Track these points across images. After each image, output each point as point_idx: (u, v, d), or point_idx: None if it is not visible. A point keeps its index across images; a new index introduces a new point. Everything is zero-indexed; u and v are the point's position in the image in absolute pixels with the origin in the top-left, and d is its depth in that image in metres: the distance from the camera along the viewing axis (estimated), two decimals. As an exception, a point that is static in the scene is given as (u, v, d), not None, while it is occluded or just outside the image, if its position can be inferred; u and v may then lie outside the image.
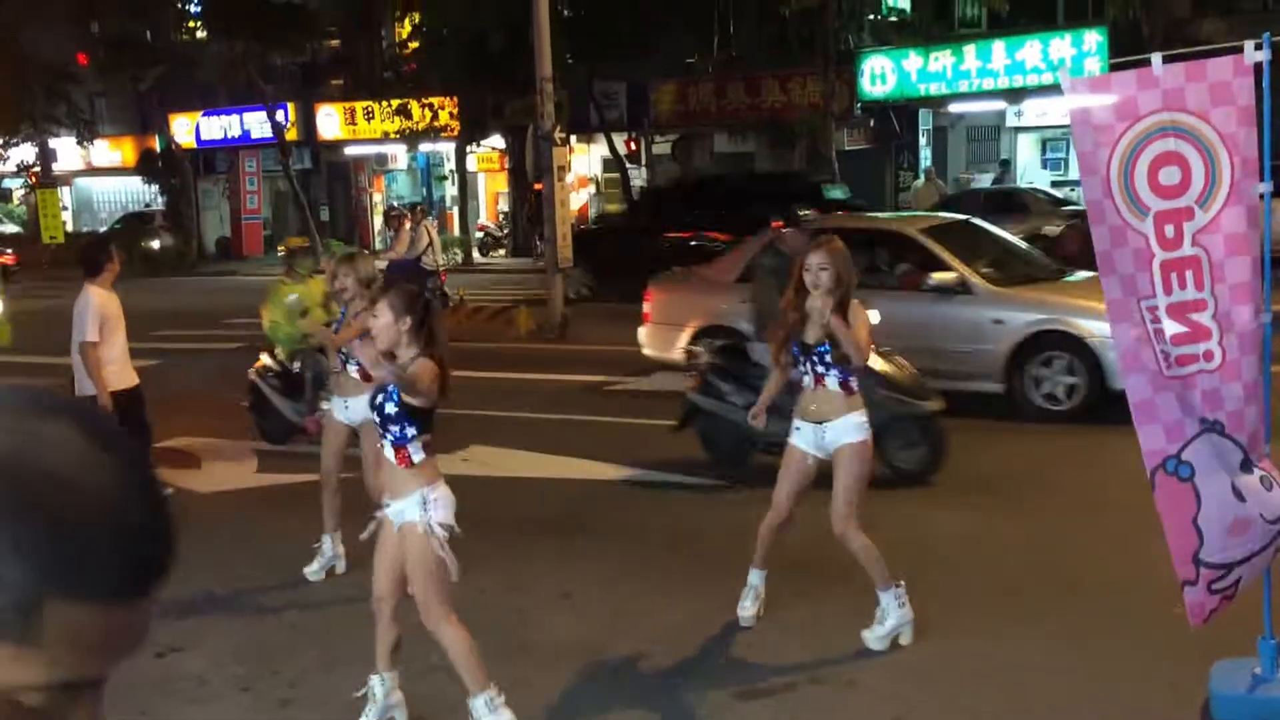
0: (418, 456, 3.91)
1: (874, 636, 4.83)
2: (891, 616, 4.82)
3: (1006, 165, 22.81)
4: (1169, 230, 3.67)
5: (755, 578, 5.17)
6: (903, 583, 4.88)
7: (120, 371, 7.39)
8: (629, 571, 5.95)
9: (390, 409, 3.90)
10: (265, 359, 8.93)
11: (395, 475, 3.95)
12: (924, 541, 6.16)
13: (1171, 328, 3.67)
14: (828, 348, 4.72)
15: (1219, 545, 3.68)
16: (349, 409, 5.88)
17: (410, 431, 3.91)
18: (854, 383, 4.82)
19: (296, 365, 8.71)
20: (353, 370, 5.90)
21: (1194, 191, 3.66)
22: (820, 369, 4.76)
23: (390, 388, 3.90)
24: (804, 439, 4.86)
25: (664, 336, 10.11)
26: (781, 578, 5.33)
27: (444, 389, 3.93)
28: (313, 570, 6.08)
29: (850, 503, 4.75)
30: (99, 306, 7.17)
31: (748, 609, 5.14)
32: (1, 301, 14.48)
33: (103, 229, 34.74)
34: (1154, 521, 3.83)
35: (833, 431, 4.77)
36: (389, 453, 3.94)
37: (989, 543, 6.28)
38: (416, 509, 3.88)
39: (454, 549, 3.95)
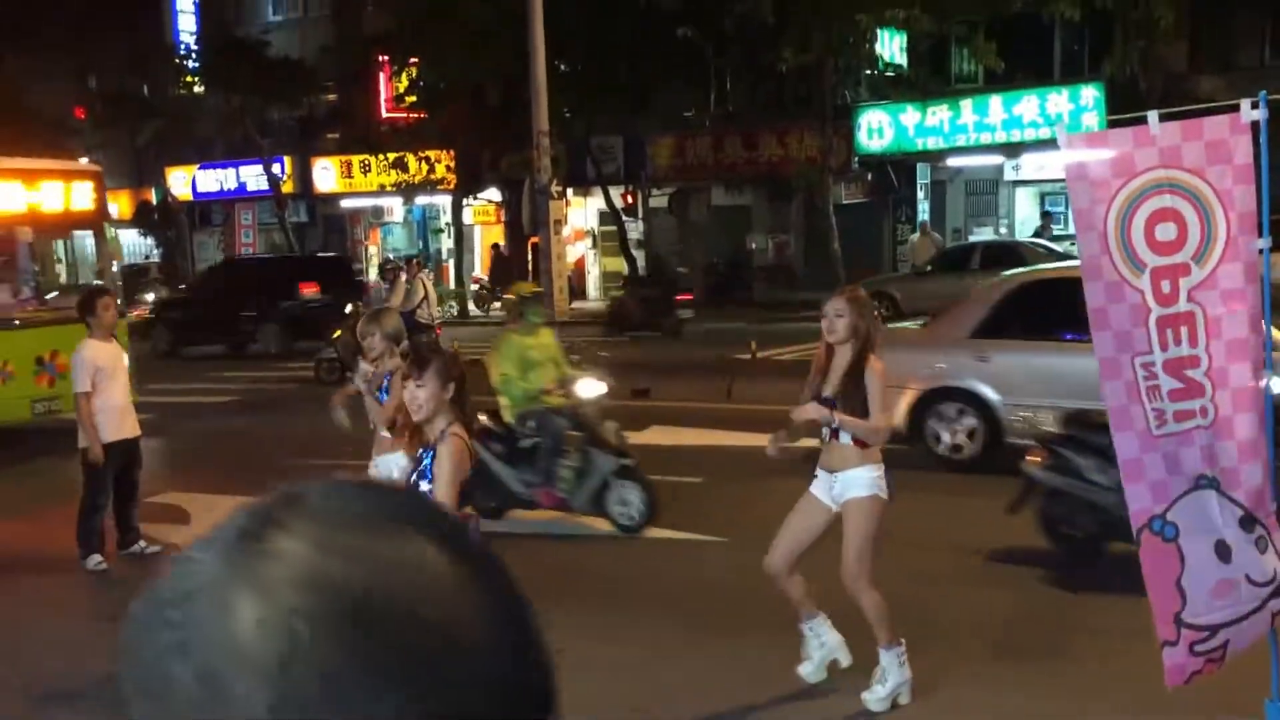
0: None
1: (874, 698, 4.71)
2: (892, 677, 4.72)
3: (1050, 217, 22.50)
4: (1165, 286, 3.70)
5: (810, 627, 4.99)
6: (903, 642, 4.78)
7: (119, 422, 7.35)
8: (623, 628, 5.83)
9: (425, 485, 3.80)
10: (485, 419, 7.50)
11: None
12: (919, 601, 5.96)
13: (1168, 384, 3.68)
14: (835, 403, 4.69)
15: (1203, 607, 3.66)
16: (378, 469, 5.73)
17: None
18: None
19: (530, 424, 7.63)
20: (383, 431, 5.74)
21: (1190, 248, 3.70)
22: (836, 424, 4.72)
23: (424, 464, 3.82)
24: (820, 488, 4.85)
25: None
26: (775, 639, 5.15)
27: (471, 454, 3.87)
28: None
29: (859, 559, 4.67)
30: (90, 358, 7.20)
31: (811, 664, 4.96)
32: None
33: (98, 281, 34.60)
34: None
35: (842, 484, 4.74)
36: None
37: (979, 601, 6.11)
38: None
39: None
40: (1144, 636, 4.81)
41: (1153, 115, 3.76)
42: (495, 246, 29.61)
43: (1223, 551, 3.70)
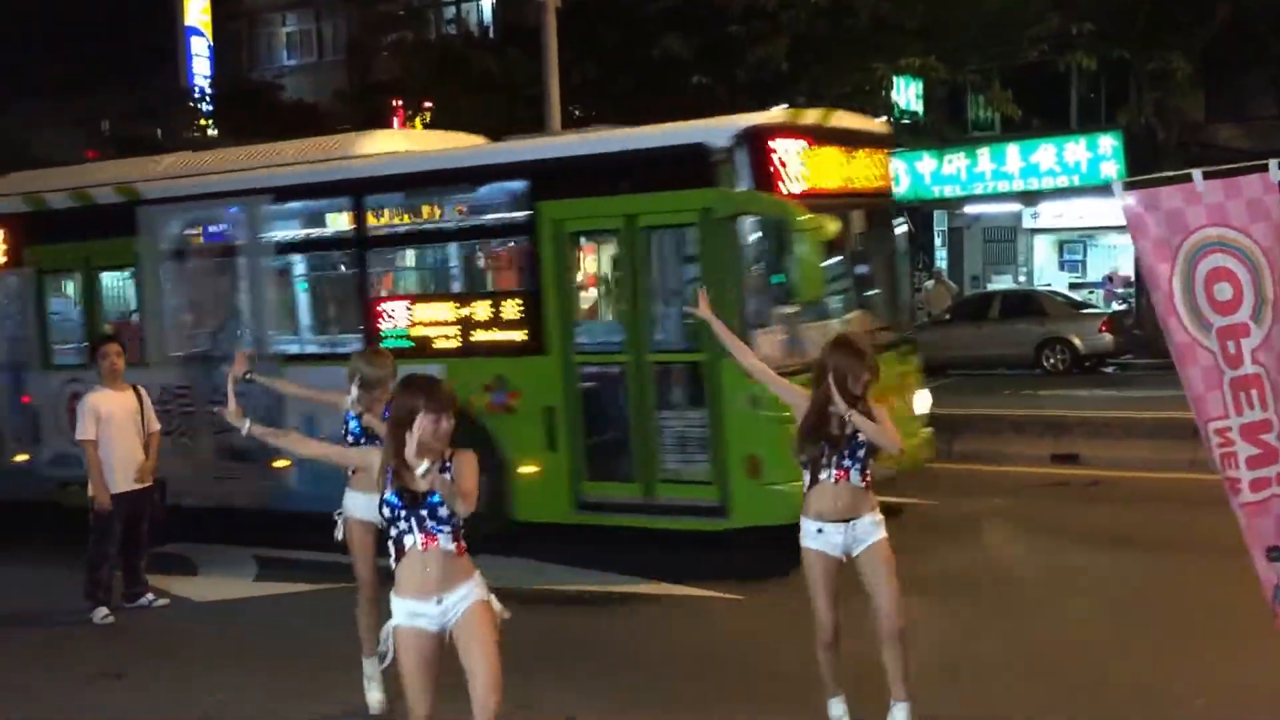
0: (464, 544, 3.92)
1: None
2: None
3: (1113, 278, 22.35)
4: (1230, 347, 3.61)
5: (835, 708, 4.82)
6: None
7: (125, 473, 7.23)
8: (637, 694, 5.60)
9: (443, 511, 3.81)
10: None
11: (451, 566, 3.86)
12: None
13: (1245, 450, 3.57)
14: (860, 443, 4.60)
15: None
16: (373, 505, 5.41)
17: (459, 522, 3.88)
18: (870, 477, 4.72)
19: None
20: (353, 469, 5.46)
21: (1247, 307, 3.63)
22: (847, 463, 4.60)
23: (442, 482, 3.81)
24: (827, 541, 4.64)
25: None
26: (797, 707, 4.91)
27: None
28: (376, 700, 5.41)
29: (900, 595, 4.63)
30: (93, 406, 7.17)
31: None
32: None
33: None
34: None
35: (861, 528, 4.64)
36: (447, 544, 3.83)
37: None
38: (481, 588, 3.90)
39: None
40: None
41: (1197, 173, 3.71)
42: None
43: None
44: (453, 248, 9.31)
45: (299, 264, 9.87)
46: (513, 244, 8.76)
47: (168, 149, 31.20)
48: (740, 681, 5.68)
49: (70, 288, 10.53)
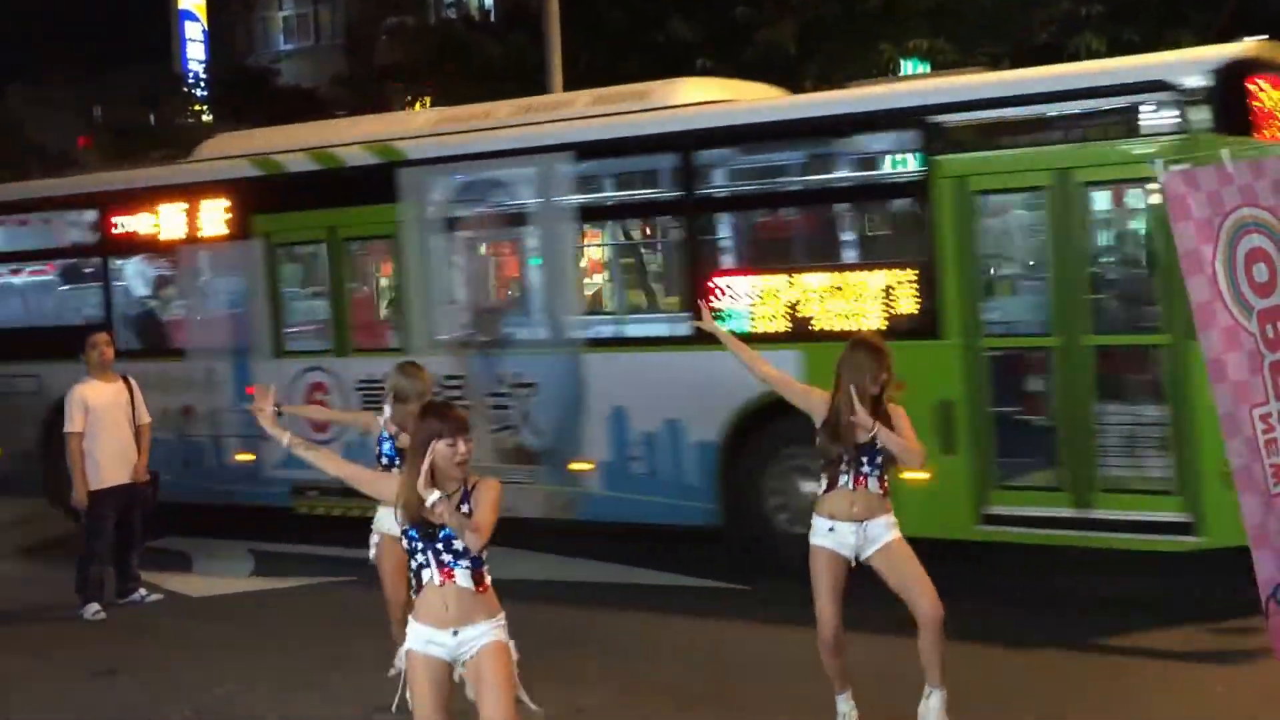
0: (489, 577, 3.74)
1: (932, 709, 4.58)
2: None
3: None
4: (1269, 330, 3.51)
5: (842, 705, 4.75)
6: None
7: (115, 467, 7.12)
8: (646, 685, 5.54)
9: (458, 545, 3.65)
10: None
11: (468, 602, 3.70)
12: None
13: None
14: (878, 449, 4.57)
15: None
16: (380, 521, 5.30)
17: (485, 553, 3.70)
18: (888, 484, 4.69)
19: None
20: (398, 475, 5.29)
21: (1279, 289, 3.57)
22: (866, 469, 4.58)
23: (460, 509, 3.66)
24: (838, 540, 4.63)
25: None
26: (807, 698, 4.81)
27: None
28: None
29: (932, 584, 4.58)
30: (80, 398, 7.06)
31: None
32: None
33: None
34: None
35: (875, 528, 4.62)
36: (464, 579, 3.68)
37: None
38: (501, 630, 3.74)
39: None
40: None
41: (1225, 152, 3.68)
42: None
43: None
44: (813, 211, 7.77)
45: (606, 232, 8.58)
46: (894, 206, 7.48)
47: (162, 135, 31.12)
48: (749, 670, 5.63)
49: (308, 263, 9.22)
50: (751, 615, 6.44)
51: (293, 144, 8.93)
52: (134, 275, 9.80)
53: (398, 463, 5.06)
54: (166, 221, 9.13)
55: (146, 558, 7.59)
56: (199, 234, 8.94)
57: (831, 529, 4.60)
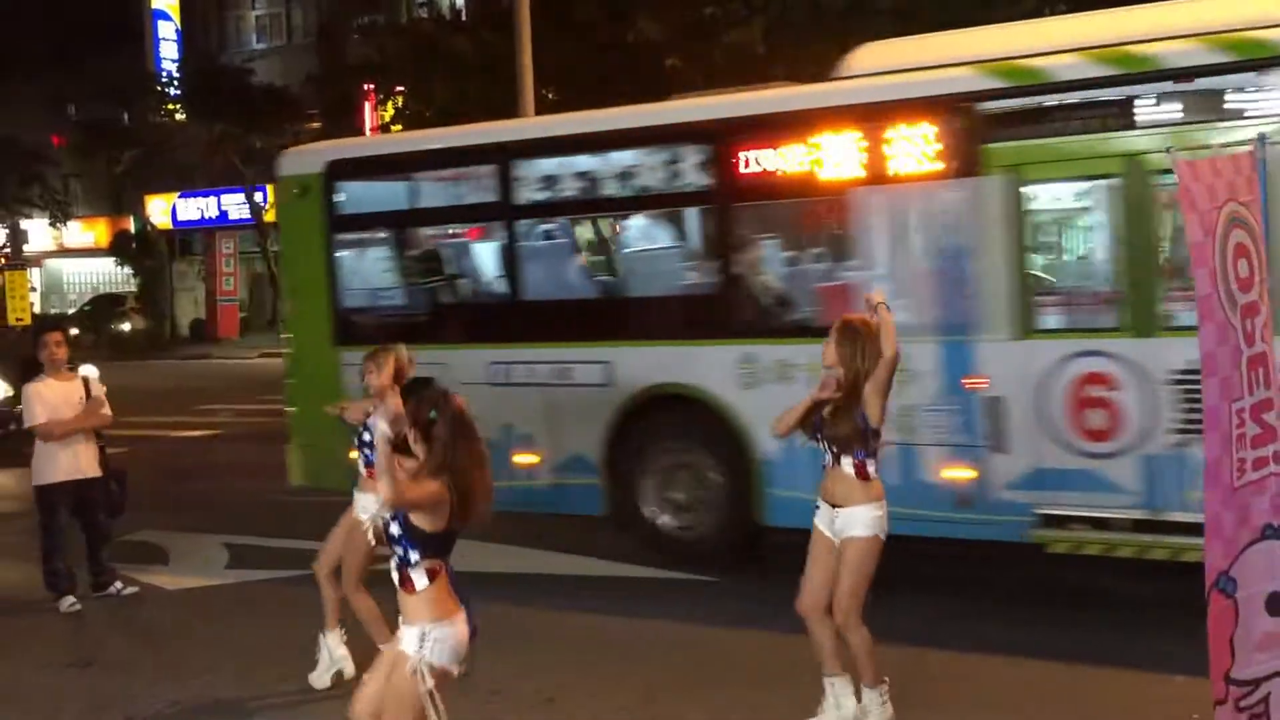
0: (421, 583, 3.56)
1: None
2: (873, 715, 4.68)
3: None
4: (1248, 325, 3.57)
5: (833, 684, 4.77)
6: (887, 680, 4.71)
7: (70, 462, 7.12)
8: (616, 676, 5.61)
9: (394, 529, 3.59)
10: None
11: (403, 599, 3.63)
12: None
13: (1252, 429, 3.54)
14: (831, 430, 4.65)
15: (1245, 661, 3.56)
16: (360, 507, 5.48)
17: (414, 555, 3.57)
18: (871, 468, 4.67)
19: None
20: (361, 464, 5.54)
21: (1257, 285, 3.62)
22: (835, 447, 4.66)
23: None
24: (822, 520, 4.76)
25: None
26: (776, 689, 4.97)
27: (466, 515, 3.58)
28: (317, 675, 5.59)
29: (853, 596, 4.64)
30: (34, 395, 7.12)
31: None
32: None
33: (71, 310, 34.33)
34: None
35: (844, 520, 4.68)
36: (394, 574, 3.63)
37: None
38: (414, 643, 3.57)
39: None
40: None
41: (1214, 146, 3.72)
42: None
43: (1273, 604, 3.60)
44: None
45: None
46: None
47: (136, 133, 30.93)
48: (718, 662, 5.72)
49: (1075, 208, 7.10)
50: (717, 606, 6.57)
51: (992, 51, 6.56)
52: (772, 228, 7.44)
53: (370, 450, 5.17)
54: (829, 156, 6.74)
55: (122, 551, 7.62)
56: (885, 172, 6.58)
57: (818, 507, 4.77)
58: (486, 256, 8.39)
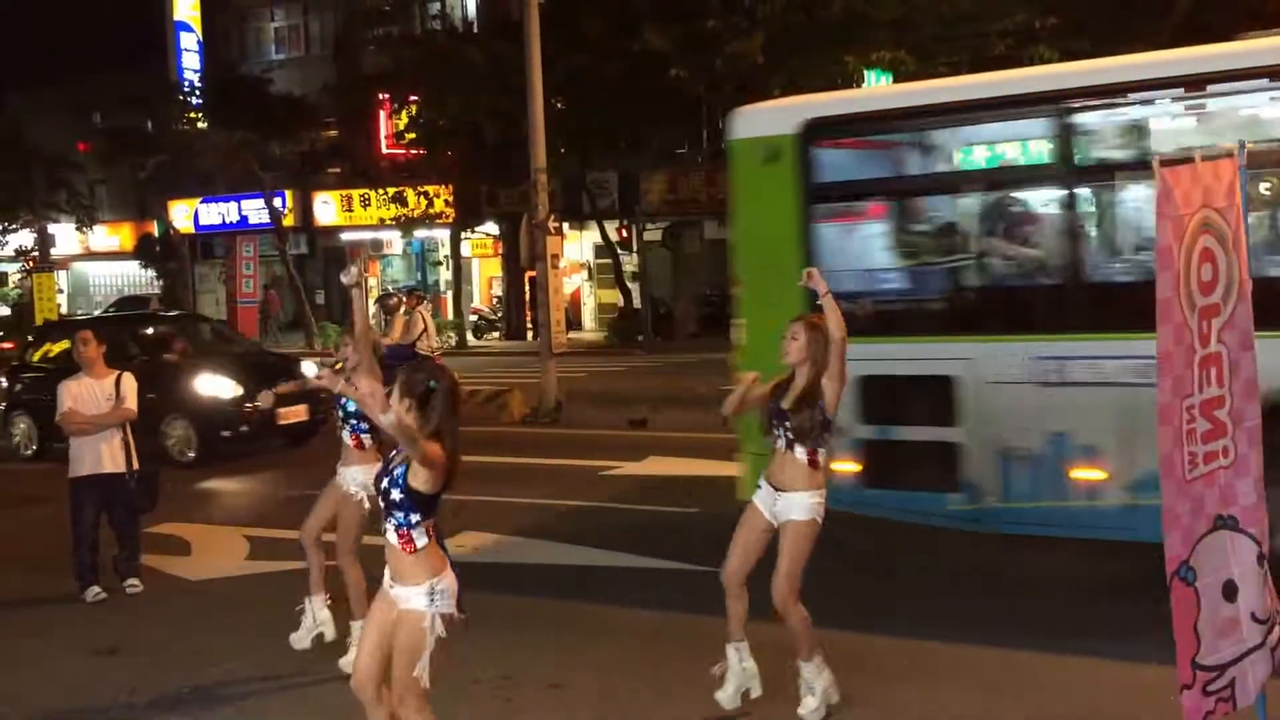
0: (421, 542, 3.85)
1: (809, 710, 4.85)
2: (818, 683, 4.87)
3: None
4: (1205, 326, 3.71)
5: (730, 652, 5.03)
6: (821, 650, 4.91)
7: (98, 457, 7.30)
8: (622, 662, 5.81)
9: (396, 495, 3.84)
10: None
11: (400, 560, 3.87)
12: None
13: (1202, 425, 3.70)
14: (787, 417, 4.79)
15: (1211, 647, 3.70)
16: (342, 479, 5.83)
17: (414, 518, 3.84)
18: (821, 457, 4.86)
19: None
20: (347, 436, 5.83)
21: (1221, 287, 3.73)
22: (790, 436, 4.81)
23: (396, 472, 3.85)
24: (763, 500, 4.92)
25: None
26: (777, 673, 5.08)
27: (451, 477, 3.87)
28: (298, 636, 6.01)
29: (790, 578, 4.80)
30: (64, 389, 7.34)
31: (729, 691, 5.01)
32: None
33: (96, 312, 35.03)
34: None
35: (785, 503, 4.83)
36: (391, 537, 3.87)
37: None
38: (423, 599, 3.83)
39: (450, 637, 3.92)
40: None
41: (1198, 155, 3.71)
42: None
43: (1229, 590, 3.74)
44: None
45: None
46: None
47: (159, 140, 31.51)
48: (723, 652, 5.67)
49: None
50: (721, 596, 6.68)
51: None
52: None
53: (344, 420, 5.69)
54: None
55: (146, 542, 7.80)
56: None
57: (760, 486, 4.94)
58: (1034, 230, 6.92)
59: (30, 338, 16.25)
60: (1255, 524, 3.80)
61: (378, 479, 3.98)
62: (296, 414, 12.37)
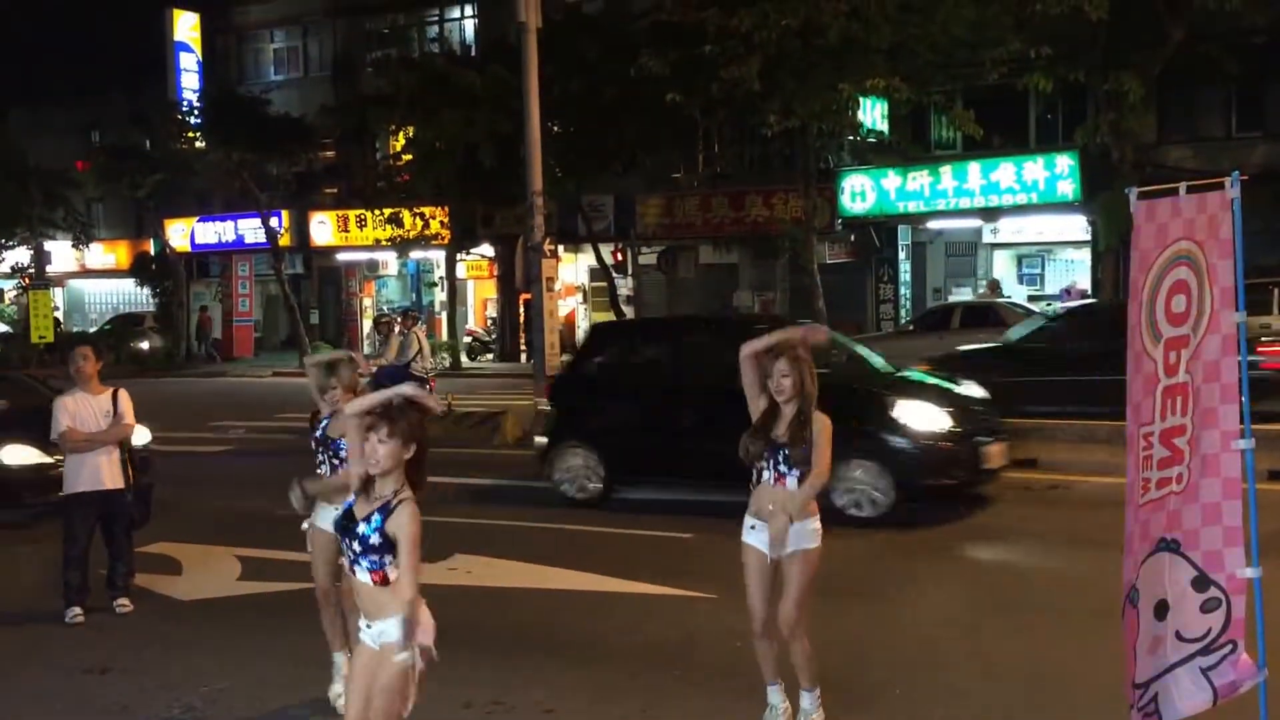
0: (393, 575, 3.72)
1: None
2: (815, 715, 4.93)
3: (998, 285, 23.21)
4: (1172, 357, 3.76)
5: (773, 696, 5.03)
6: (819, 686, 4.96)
7: (95, 473, 7.24)
8: (615, 688, 5.78)
9: (374, 540, 3.71)
10: None
11: (373, 595, 3.75)
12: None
13: (1160, 452, 3.75)
14: (789, 449, 4.74)
15: (1143, 666, 3.76)
16: (319, 520, 5.68)
17: (389, 558, 3.72)
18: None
19: None
20: (325, 471, 5.73)
21: (1191, 319, 3.78)
22: (782, 468, 4.76)
23: (375, 520, 3.72)
24: (759, 538, 4.83)
25: None
26: (758, 698, 5.12)
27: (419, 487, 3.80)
28: (335, 693, 5.61)
29: (800, 607, 4.81)
30: (60, 405, 7.26)
31: None
32: None
33: (92, 329, 35.05)
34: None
35: (794, 534, 4.76)
36: (364, 577, 3.75)
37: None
38: (398, 631, 3.68)
39: (432, 665, 3.86)
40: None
41: (1182, 188, 3.77)
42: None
43: (1160, 610, 3.80)
44: None
45: None
46: None
47: (157, 159, 31.64)
48: (716, 675, 5.81)
49: None
50: (720, 623, 6.59)
51: None
52: None
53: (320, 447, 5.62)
54: None
55: (137, 562, 7.71)
56: None
57: (753, 527, 4.82)
58: None
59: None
60: (1196, 548, 3.82)
61: (344, 523, 3.82)
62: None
